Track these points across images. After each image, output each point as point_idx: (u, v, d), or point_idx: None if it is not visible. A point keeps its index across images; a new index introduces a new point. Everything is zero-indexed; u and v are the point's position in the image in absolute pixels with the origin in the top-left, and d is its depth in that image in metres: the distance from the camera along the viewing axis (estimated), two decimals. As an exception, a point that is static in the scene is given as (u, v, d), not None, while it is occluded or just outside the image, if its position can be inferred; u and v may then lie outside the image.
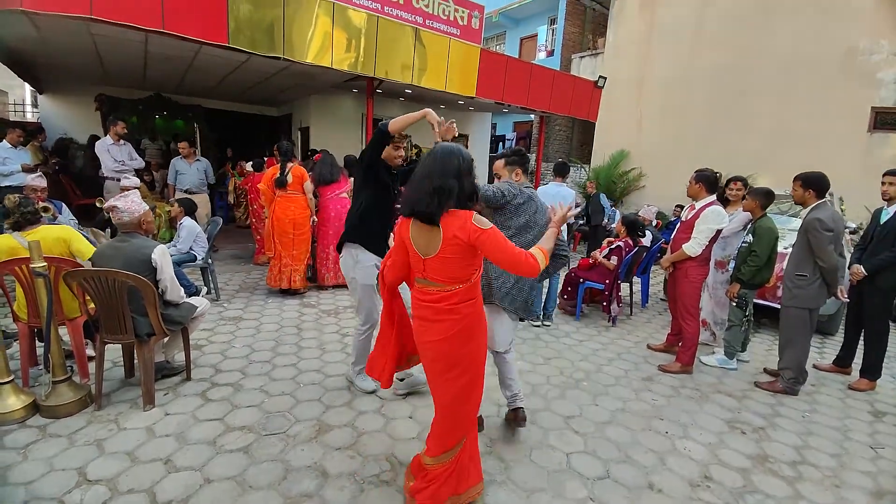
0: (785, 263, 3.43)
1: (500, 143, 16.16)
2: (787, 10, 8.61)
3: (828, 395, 3.46)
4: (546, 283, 3.98)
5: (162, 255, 2.54)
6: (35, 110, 13.30)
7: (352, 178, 4.74)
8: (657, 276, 7.10)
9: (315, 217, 4.88)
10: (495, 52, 8.33)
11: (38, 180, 3.68)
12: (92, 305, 2.62)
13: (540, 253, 1.72)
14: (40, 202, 3.14)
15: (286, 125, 11.47)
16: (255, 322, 4.07)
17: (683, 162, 10.01)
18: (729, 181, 4.02)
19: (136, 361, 2.88)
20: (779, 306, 3.48)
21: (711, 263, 3.98)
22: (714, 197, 3.41)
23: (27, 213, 2.66)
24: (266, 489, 2.01)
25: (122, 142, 5.64)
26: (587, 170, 11.94)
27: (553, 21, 14.80)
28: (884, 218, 3.44)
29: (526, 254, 1.68)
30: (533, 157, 12.99)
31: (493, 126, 15.35)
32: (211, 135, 10.93)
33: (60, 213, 3.86)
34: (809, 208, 3.23)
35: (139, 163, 6.00)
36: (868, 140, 7.77)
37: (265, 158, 6.88)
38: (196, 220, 4.59)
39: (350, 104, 9.92)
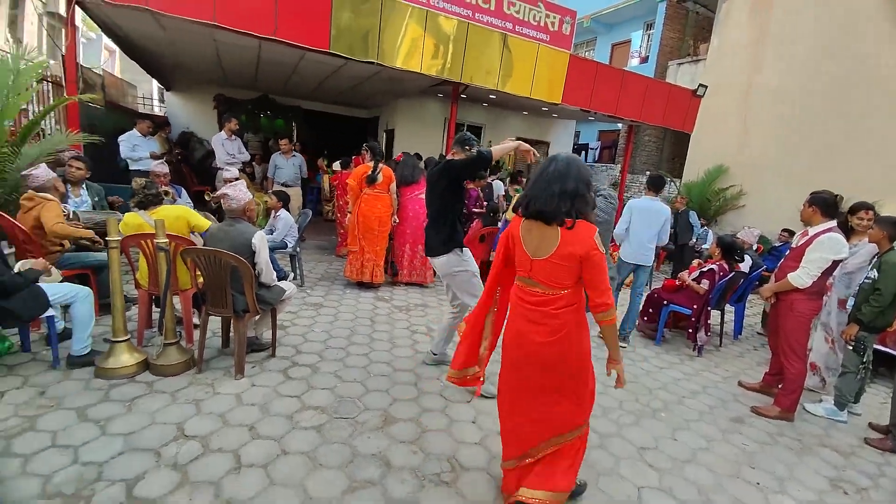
0: None
1: (583, 152, 15.62)
2: None
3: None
4: (625, 300, 3.88)
5: (260, 240, 2.78)
6: (161, 105, 15.24)
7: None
8: (755, 305, 6.42)
9: (396, 216, 5.05)
10: (585, 59, 8.06)
11: (160, 167, 4.22)
12: (201, 280, 2.95)
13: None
14: (163, 186, 3.58)
15: (373, 127, 12.07)
16: (334, 310, 4.31)
17: (794, 182, 8.96)
18: (855, 208, 3.49)
19: (231, 334, 3.19)
20: None
21: (833, 301, 3.52)
22: (833, 223, 2.98)
23: (150, 194, 3.07)
24: (335, 469, 2.11)
25: (233, 137, 6.29)
26: (678, 184, 11.11)
27: (650, 26, 14.02)
28: None
29: (610, 292, 1.76)
30: (618, 167, 12.39)
31: (577, 134, 14.89)
32: (307, 133, 11.80)
33: (179, 196, 4.39)
34: None
35: (246, 156, 6.67)
36: None
37: (352, 157, 7.27)
38: (289, 211, 4.97)
39: (434, 108, 10.17)
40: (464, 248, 3.01)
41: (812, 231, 3.01)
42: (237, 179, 5.08)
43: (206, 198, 4.63)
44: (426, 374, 3.21)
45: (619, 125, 13.98)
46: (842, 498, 2.41)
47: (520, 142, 2.78)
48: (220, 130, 6.37)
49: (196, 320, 3.38)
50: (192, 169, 8.61)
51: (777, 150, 9.38)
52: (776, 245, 7.25)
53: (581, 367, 1.87)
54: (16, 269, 2.59)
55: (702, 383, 3.67)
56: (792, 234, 7.60)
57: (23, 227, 3.06)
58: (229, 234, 2.77)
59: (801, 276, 2.94)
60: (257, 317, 3.11)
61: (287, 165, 6.56)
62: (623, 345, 4.19)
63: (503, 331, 2.02)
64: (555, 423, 1.89)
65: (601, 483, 2.26)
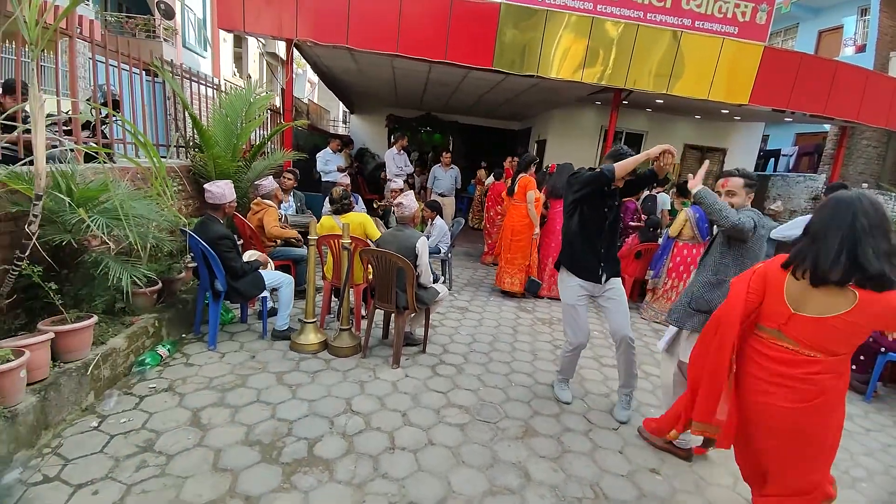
0: None
1: (773, 160, 13.17)
2: None
3: None
4: None
5: (423, 245, 3.08)
6: (344, 125, 17.89)
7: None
8: None
9: (538, 229, 5.00)
10: (784, 50, 6.82)
11: (344, 178, 4.98)
12: (371, 276, 3.40)
13: None
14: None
15: (525, 138, 12.18)
16: (478, 315, 4.49)
17: None
18: None
19: (391, 327, 3.59)
20: None
21: None
22: None
23: (346, 203, 3.64)
24: (476, 469, 2.21)
25: (401, 152, 7.10)
26: (912, 200, 8.58)
27: (864, 12, 11.17)
28: None
29: None
30: (822, 177, 10.13)
31: (764, 138, 12.64)
32: (462, 146, 12.56)
33: (357, 204, 5.11)
34: None
35: (410, 169, 7.46)
36: None
37: (504, 168, 7.48)
38: (443, 219, 5.36)
39: (590, 116, 9.80)
40: (570, 270, 2.76)
41: None
42: (402, 190, 5.72)
43: (375, 205, 5.29)
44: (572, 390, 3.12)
45: (827, 127, 11.43)
46: None
47: (649, 152, 2.45)
48: (390, 146, 7.24)
49: (364, 312, 3.90)
50: (364, 179, 9.92)
51: None
52: None
53: (826, 433, 1.71)
54: (245, 259, 3.37)
55: (887, 441, 2.78)
56: None
57: (250, 225, 3.97)
58: (398, 238, 3.14)
59: None
60: (413, 314, 3.43)
61: (445, 177, 7.09)
62: None
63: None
64: (790, 480, 1.77)
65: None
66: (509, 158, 7.66)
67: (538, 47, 5.85)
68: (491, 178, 7.36)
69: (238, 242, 4.29)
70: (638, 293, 5.44)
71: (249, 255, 3.51)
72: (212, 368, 2.95)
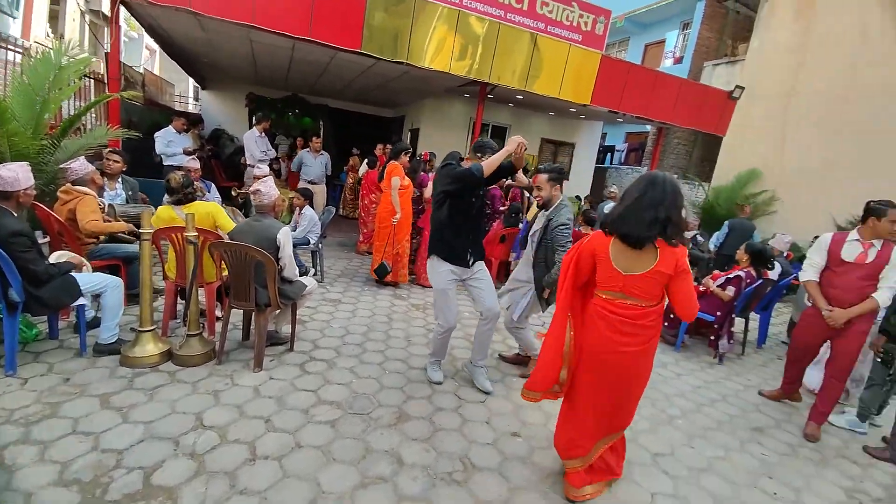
0: None
1: (609, 154, 15.34)
2: None
3: None
4: None
5: (285, 236, 2.86)
6: (196, 103, 15.76)
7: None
8: (781, 314, 6.19)
9: (399, 215, 4.91)
10: (617, 59, 7.92)
11: (192, 162, 4.37)
12: (225, 273, 3.05)
13: None
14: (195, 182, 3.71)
15: (398, 126, 12.17)
16: (352, 307, 4.38)
17: (832, 187, 8.56)
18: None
19: (252, 328, 3.29)
20: None
21: None
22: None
23: (190, 192, 3.18)
24: (347, 464, 2.15)
25: (263, 134, 6.49)
26: (706, 188, 10.78)
27: (686, 26, 13.63)
28: None
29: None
30: (646, 169, 12.11)
31: (603, 136, 14.62)
32: (333, 132, 12.02)
33: (209, 192, 4.54)
34: None
35: (273, 153, 6.87)
36: None
37: (377, 156, 7.36)
38: (313, 208, 5.08)
39: (460, 108, 10.18)
40: (441, 258, 2.86)
41: (878, 244, 2.82)
42: (267, 176, 5.24)
43: (234, 193, 4.76)
44: (447, 371, 3.23)
45: (648, 127, 13.66)
46: (865, 517, 2.31)
47: (509, 148, 2.69)
48: (252, 128, 6.57)
49: (218, 313, 3.50)
50: (221, 164, 8.89)
51: (815, 157, 9.00)
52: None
53: (648, 373, 2.09)
54: (51, 260, 2.74)
55: (722, 392, 3.57)
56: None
57: (58, 218, 3.22)
58: (255, 229, 2.86)
59: (888, 297, 2.76)
60: (278, 311, 3.18)
61: (315, 163, 6.70)
62: None
63: (570, 339, 2.08)
64: (618, 421, 2.12)
65: (615, 488, 2.24)
66: (381, 146, 7.56)
67: (408, 35, 5.84)
68: (364, 166, 7.20)
69: (43, 240, 3.49)
70: (504, 274, 5.87)
71: (58, 256, 2.86)
72: (10, 399, 2.35)
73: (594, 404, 2.06)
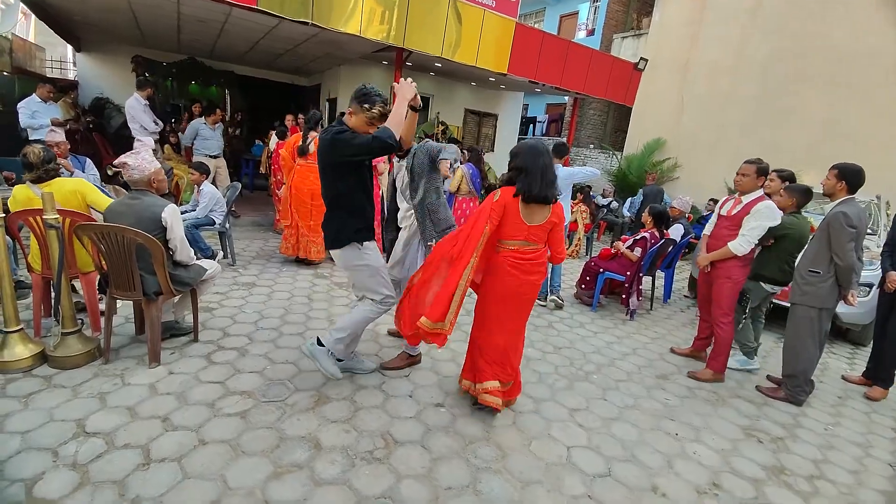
0: (798, 258, 3.17)
1: (532, 125, 15.70)
2: (846, 0, 7.89)
3: (853, 408, 3.25)
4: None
5: (172, 215, 2.52)
6: (76, 68, 13.61)
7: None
8: (683, 271, 6.81)
9: None
10: (531, 27, 7.97)
11: (53, 134, 3.68)
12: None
13: None
14: (59, 157, 3.17)
15: (315, 95, 11.44)
16: (268, 289, 4.09)
17: (723, 154, 9.47)
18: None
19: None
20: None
21: None
22: (762, 192, 3.11)
23: (51, 169, 2.68)
24: (258, 456, 2.00)
25: (147, 102, 5.73)
26: (619, 157, 11.47)
27: (596, -1, 14.09)
28: None
29: None
30: (565, 139, 12.57)
31: (525, 107, 14.90)
32: (242, 102, 11.00)
33: (83, 171, 3.92)
34: (836, 202, 2.96)
35: (160, 125, 6.10)
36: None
37: (288, 126, 6.85)
38: (214, 184, 4.61)
39: (379, 76, 9.76)
40: (364, 242, 2.42)
41: (747, 199, 3.11)
42: (154, 150, 4.64)
43: (109, 173, 4.14)
44: (363, 349, 3.13)
45: (566, 98, 14.12)
46: (756, 446, 2.61)
47: (404, 94, 2.26)
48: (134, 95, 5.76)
49: (103, 306, 3.08)
50: (107, 139, 7.79)
51: (709, 125, 9.85)
52: (704, 214, 7.68)
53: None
54: None
55: (632, 346, 3.85)
56: (717, 202, 8.10)
57: None
58: (133, 209, 2.49)
59: (742, 245, 3.04)
60: (176, 299, 2.86)
61: (214, 136, 6.05)
62: (543, 302, 4.50)
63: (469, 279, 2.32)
64: (521, 340, 2.56)
65: (533, 446, 2.31)
66: (290, 116, 7.05)
67: (312, -8, 5.36)
68: (274, 138, 6.67)
69: None
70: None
71: None
72: None
73: (508, 329, 2.44)
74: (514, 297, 2.38)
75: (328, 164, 2.34)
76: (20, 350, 2.45)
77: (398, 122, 2.28)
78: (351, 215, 2.40)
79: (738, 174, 3.12)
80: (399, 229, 2.99)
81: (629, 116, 11.81)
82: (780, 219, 3.06)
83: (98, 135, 7.56)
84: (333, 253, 2.48)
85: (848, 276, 2.87)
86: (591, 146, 13.27)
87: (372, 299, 2.52)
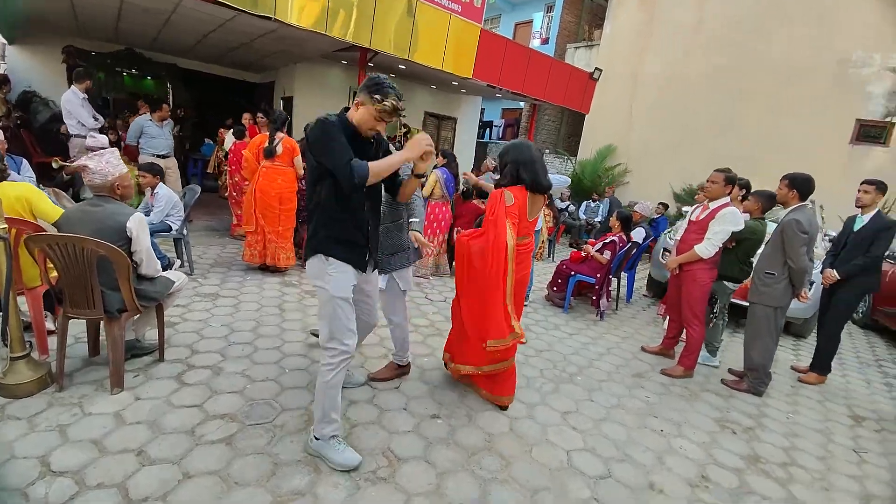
0: (755, 261, 3.44)
1: (488, 129, 15.94)
2: (784, 17, 8.68)
3: (807, 396, 3.54)
4: None
5: (138, 224, 2.28)
6: (2, 62, 12.21)
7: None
8: (640, 272, 7.16)
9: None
10: (495, 34, 8.06)
11: None
12: (54, 274, 2.36)
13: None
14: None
15: (268, 93, 10.92)
16: (234, 300, 3.83)
17: (670, 161, 10.10)
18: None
19: (101, 339, 2.64)
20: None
21: None
22: (728, 199, 3.31)
23: (-2, 169, 2.35)
24: (253, 486, 1.85)
25: (85, 95, 5.21)
26: (573, 161, 11.91)
27: (550, 8, 14.55)
28: (857, 225, 3.56)
29: None
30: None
31: (482, 111, 15.08)
32: (187, 97, 10.29)
33: (18, 172, 3.48)
34: (790, 209, 3.23)
35: (102, 121, 5.58)
36: (850, 152, 7.99)
37: (245, 126, 6.49)
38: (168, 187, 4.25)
39: (337, 75, 9.51)
40: (331, 255, 1.92)
41: (713, 206, 3.29)
42: (104, 149, 4.20)
43: (55, 165, 3.69)
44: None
45: (521, 104, 14.46)
46: (731, 437, 2.77)
47: (408, 152, 1.90)
48: (70, 87, 5.21)
49: (51, 325, 2.75)
50: (33, 135, 6.99)
51: (657, 132, 10.48)
52: (654, 217, 8.13)
53: None
54: None
55: (606, 346, 3.98)
56: (667, 207, 8.62)
57: None
58: (94, 217, 2.22)
59: (707, 248, 3.21)
60: (137, 315, 2.59)
61: (162, 134, 5.58)
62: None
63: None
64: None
65: (534, 452, 2.31)
66: (248, 115, 6.68)
67: (274, -14, 5.10)
68: (231, 137, 6.29)
69: None
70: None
71: None
72: None
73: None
74: (516, 285, 2.54)
75: (310, 160, 1.91)
76: (-42, 379, 2.12)
77: (384, 168, 1.86)
78: (324, 225, 1.93)
79: (707, 181, 3.31)
80: None
81: (582, 123, 12.30)
82: (743, 223, 3.28)
83: (26, 131, 6.77)
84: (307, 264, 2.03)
85: (801, 277, 3.13)
86: (547, 151, 13.67)
87: (324, 348, 1.95)
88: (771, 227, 3.51)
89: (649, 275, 6.07)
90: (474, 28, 7.02)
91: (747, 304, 3.45)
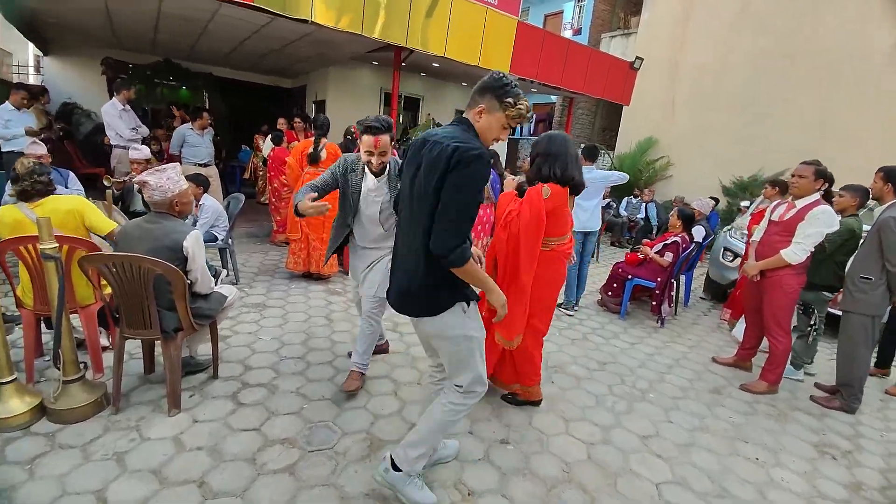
0: (848, 265, 3.06)
1: (519, 126, 15.59)
2: None
3: (894, 408, 3.16)
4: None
5: (195, 242, 2.17)
6: (38, 74, 12.82)
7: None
8: (698, 272, 6.74)
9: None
10: (532, 26, 7.75)
11: (35, 147, 3.26)
12: (108, 290, 2.29)
13: None
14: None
15: (300, 98, 10.97)
16: (281, 310, 3.73)
17: (715, 153, 9.54)
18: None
19: (156, 355, 2.57)
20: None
21: None
22: (818, 196, 2.95)
23: (40, 182, 2.28)
24: (322, 525, 1.70)
25: (128, 107, 5.26)
26: (611, 155, 11.45)
27: (580, -2, 14.08)
28: None
29: None
30: (593, 143, 12.48)
31: (512, 107, 14.75)
32: (222, 105, 10.44)
33: (66, 185, 3.49)
34: (886, 206, 2.85)
35: (145, 130, 5.63)
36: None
37: (283, 131, 6.45)
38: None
39: (368, 77, 9.43)
40: (470, 302, 1.64)
41: (800, 204, 2.93)
42: (148, 161, 4.21)
43: (107, 184, 3.70)
44: (404, 378, 2.84)
45: (553, 97, 14.05)
46: (832, 463, 2.46)
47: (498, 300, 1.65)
48: (112, 98, 5.27)
49: (105, 341, 2.69)
50: (77, 147, 7.19)
51: (700, 124, 9.92)
52: (707, 214, 7.64)
53: None
54: None
55: (673, 356, 3.68)
56: (717, 201, 8.11)
57: None
58: (151, 234, 2.12)
59: (797, 253, 2.86)
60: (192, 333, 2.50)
61: (203, 142, 5.59)
62: (570, 312, 4.39)
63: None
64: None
65: (619, 486, 2.08)
66: (283, 120, 6.65)
67: (310, -12, 5.00)
68: (269, 143, 6.26)
69: None
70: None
71: None
72: None
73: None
74: (556, 283, 2.49)
75: (431, 189, 1.48)
76: (16, 404, 2.06)
77: (479, 280, 1.59)
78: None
79: (794, 176, 2.96)
80: None
81: (617, 115, 11.82)
82: (838, 223, 2.92)
83: (70, 143, 6.96)
84: (426, 320, 1.64)
85: None
86: (583, 145, 13.23)
87: (457, 386, 1.71)
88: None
89: (707, 275, 5.68)
90: (511, 21, 6.77)
91: (839, 313, 3.09)
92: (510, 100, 1.51)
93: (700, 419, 2.75)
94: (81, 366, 2.21)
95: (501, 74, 1.56)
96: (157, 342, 2.28)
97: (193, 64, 9.77)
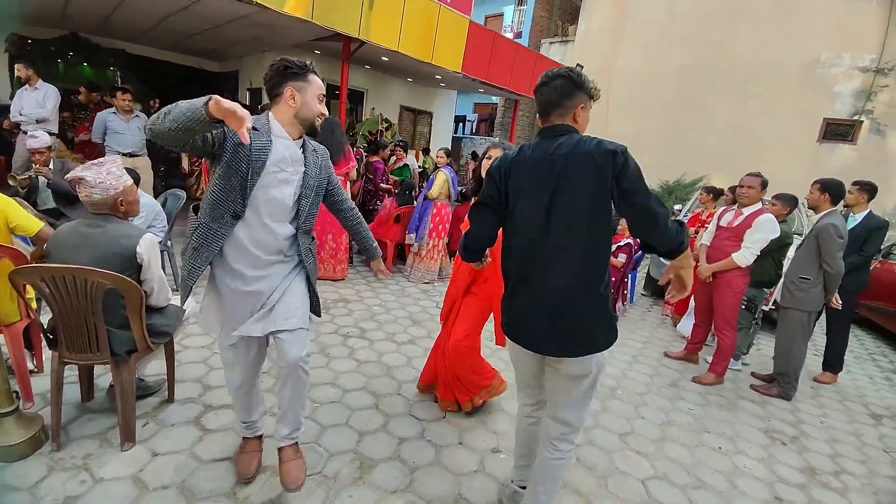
0: (786, 266, 3.45)
1: (461, 124, 15.71)
2: (753, 14, 8.97)
3: (828, 397, 3.60)
4: None
5: (151, 248, 1.88)
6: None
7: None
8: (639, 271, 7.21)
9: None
10: (483, 27, 7.81)
11: None
12: (35, 306, 1.93)
13: None
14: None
15: (232, 83, 10.13)
16: (234, 319, 3.40)
17: (646, 156, 10.29)
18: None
19: (95, 378, 2.22)
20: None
21: None
22: (761, 205, 3.26)
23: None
24: (327, 563, 1.55)
25: (38, 84, 4.53)
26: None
27: (521, 1, 14.43)
28: (850, 224, 3.56)
29: None
30: (498, 139, 12.73)
31: (454, 105, 14.83)
32: (140, 87, 9.32)
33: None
34: (822, 213, 3.25)
35: (47, 111, 4.82)
36: (817, 149, 8.41)
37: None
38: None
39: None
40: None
41: (747, 211, 3.24)
42: (50, 148, 3.60)
43: (12, 183, 3.12)
44: (382, 389, 2.71)
45: (495, 98, 14.32)
46: (783, 449, 2.72)
47: None
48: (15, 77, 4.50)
49: (30, 364, 2.28)
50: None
51: (631, 128, 10.63)
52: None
53: None
54: None
55: (631, 353, 3.89)
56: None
57: None
58: (93, 240, 1.80)
59: (747, 256, 3.15)
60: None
61: (129, 129, 4.92)
62: None
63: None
64: None
65: (610, 486, 2.14)
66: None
67: (253, -35, 4.60)
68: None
69: None
70: (398, 257, 5.41)
71: None
72: None
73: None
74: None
75: (599, 202, 1.41)
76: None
77: (690, 263, 1.54)
78: (608, 298, 1.51)
79: (742, 186, 3.24)
80: None
81: (557, 119, 12.29)
82: (779, 230, 3.25)
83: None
84: (576, 360, 1.51)
85: (836, 281, 3.15)
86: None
87: (565, 423, 1.62)
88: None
89: (647, 273, 6.10)
90: (463, 20, 6.77)
91: (768, 309, 3.46)
92: (593, 88, 1.55)
93: (666, 413, 2.93)
94: (14, 396, 1.84)
95: (573, 69, 1.56)
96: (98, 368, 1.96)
97: (104, 39, 8.62)
